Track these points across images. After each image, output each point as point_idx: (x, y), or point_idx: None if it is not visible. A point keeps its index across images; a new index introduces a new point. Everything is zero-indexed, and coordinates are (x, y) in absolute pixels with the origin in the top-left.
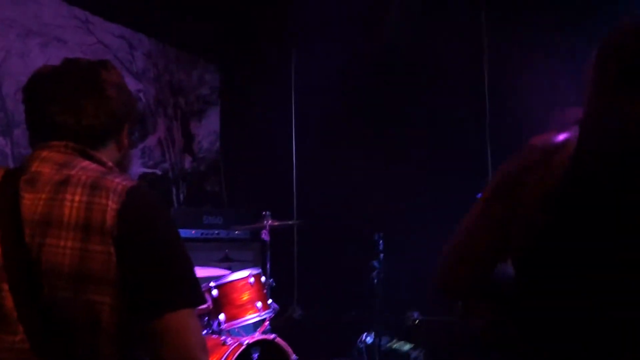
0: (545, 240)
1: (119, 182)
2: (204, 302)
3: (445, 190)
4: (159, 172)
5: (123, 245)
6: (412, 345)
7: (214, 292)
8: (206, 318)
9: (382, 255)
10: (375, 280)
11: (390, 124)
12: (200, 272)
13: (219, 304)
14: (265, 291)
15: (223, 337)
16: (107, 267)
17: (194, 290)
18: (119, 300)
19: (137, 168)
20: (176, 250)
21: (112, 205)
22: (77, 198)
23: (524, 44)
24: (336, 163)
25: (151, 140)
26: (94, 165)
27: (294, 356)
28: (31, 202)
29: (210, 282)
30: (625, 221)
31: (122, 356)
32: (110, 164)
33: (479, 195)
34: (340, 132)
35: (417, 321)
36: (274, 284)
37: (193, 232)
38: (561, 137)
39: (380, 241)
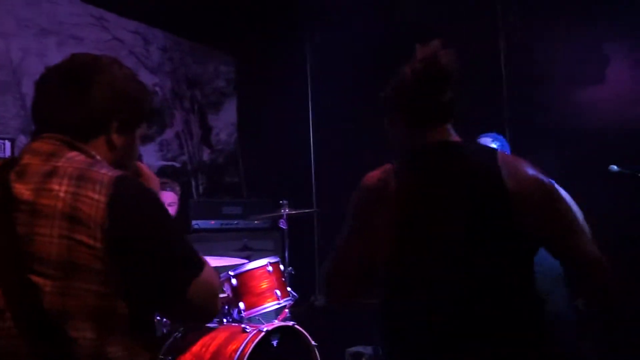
0: (396, 256)
1: (104, 173)
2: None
3: None
4: (177, 164)
5: (117, 237)
6: None
7: (233, 281)
8: (226, 307)
9: None
10: None
11: None
12: (219, 261)
13: (239, 293)
14: (284, 279)
15: (243, 325)
16: (92, 258)
17: (196, 260)
18: (105, 287)
19: (156, 161)
20: (171, 231)
21: (100, 197)
22: (63, 188)
23: (541, 23)
24: (354, 149)
25: (169, 134)
26: (81, 157)
27: (313, 343)
28: (20, 192)
29: (229, 271)
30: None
31: (110, 340)
32: (98, 157)
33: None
34: (357, 117)
35: None
36: (293, 272)
37: (212, 222)
38: (383, 175)
39: None
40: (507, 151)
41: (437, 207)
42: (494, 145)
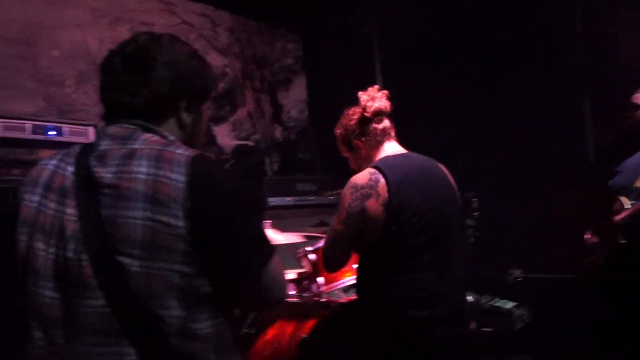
0: (382, 239)
1: (181, 153)
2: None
3: (537, 147)
4: (250, 143)
5: (199, 216)
6: (515, 303)
7: (312, 256)
8: (305, 281)
9: (476, 213)
10: (472, 239)
11: (479, 84)
12: (297, 237)
13: (317, 268)
14: None
15: (323, 299)
16: (175, 238)
17: (270, 243)
18: (189, 267)
19: (230, 140)
20: (250, 210)
21: (179, 177)
22: (143, 170)
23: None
24: (423, 124)
25: (241, 113)
26: (155, 138)
27: None
28: (101, 176)
29: (307, 247)
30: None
31: (196, 317)
32: (172, 137)
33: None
34: (426, 91)
35: (519, 279)
36: None
37: (287, 199)
38: (372, 175)
39: (474, 199)
40: None
41: (421, 194)
42: None
